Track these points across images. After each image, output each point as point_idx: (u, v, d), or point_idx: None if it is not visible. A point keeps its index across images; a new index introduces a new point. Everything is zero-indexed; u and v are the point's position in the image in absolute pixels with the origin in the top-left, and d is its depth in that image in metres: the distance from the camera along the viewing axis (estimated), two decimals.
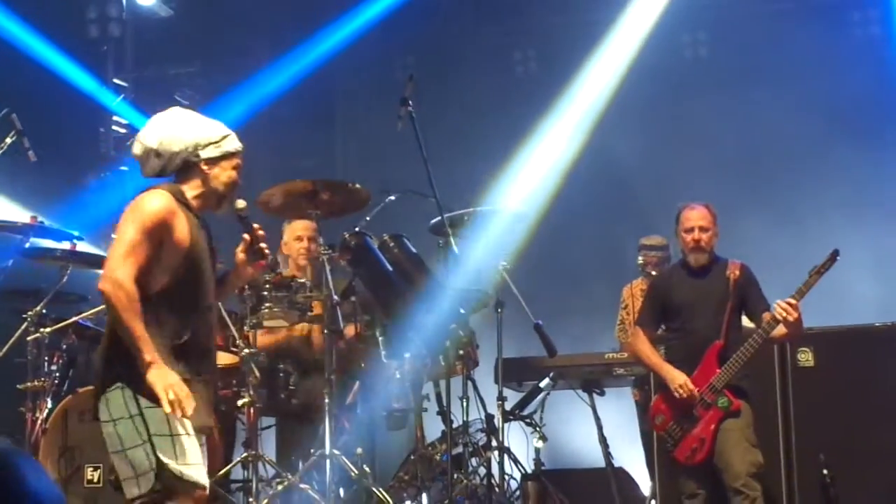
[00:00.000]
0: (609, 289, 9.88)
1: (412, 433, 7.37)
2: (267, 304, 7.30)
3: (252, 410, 7.13)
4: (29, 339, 7.44)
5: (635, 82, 10.98)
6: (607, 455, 7.97)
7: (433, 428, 7.27)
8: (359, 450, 6.97)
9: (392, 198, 7.74)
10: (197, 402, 4.71)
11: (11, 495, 2.01)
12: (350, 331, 7.31)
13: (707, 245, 6.94)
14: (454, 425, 7.02)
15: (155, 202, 4.74)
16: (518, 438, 7.61)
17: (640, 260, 9.10)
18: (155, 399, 4.60)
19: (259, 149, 11.30)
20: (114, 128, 11.83)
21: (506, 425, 7.28)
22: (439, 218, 7.02)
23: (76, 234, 7.99)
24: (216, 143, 4.92)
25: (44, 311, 7.51)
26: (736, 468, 6.54)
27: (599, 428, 8.04)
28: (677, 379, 6.73)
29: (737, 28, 11.02)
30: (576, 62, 11.22)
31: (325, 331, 7.07)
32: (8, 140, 7.36)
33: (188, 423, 4.71)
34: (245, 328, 7.36)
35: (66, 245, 7.79)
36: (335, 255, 7.18)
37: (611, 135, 10.91)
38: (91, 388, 7.48)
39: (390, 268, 7.15)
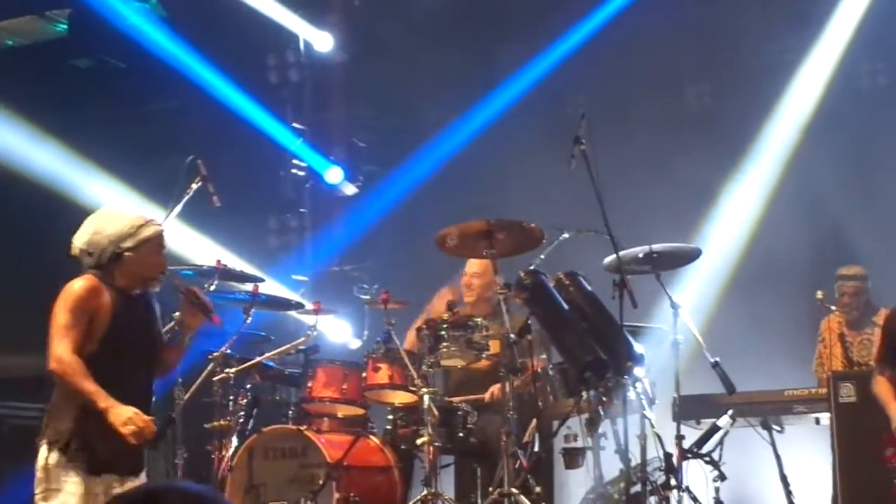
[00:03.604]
0: (800, 324, 9.75)
1: (590, 471, 7.34)
2: (444, 344, 7.39)
3: (431, 449, 7.21)
4: (215, 379, 7.65)
5: (825, 114, 10.81)
6: (788, 494, 7.83)
7: (611, 466, 7.23)
8: (537, 489, 6.97)
9: (566, 235, 7.76)
10: (123, 460, 5.62)
11: None
12: (527, 369, 7.33)
13: None
14: (632, 464, 6.97)
15: (78, 286, 5.60)
16: (697, 477, 7.51)
17: (837, 290, 8.99)
18: (67, 458, 5.50)
19: (432, 186, 11.50)
20: (293, 171, 12.11)
21: (684, 463, 7.19)
22: (614, 256, 7.01)
23: (259, 276, 8.23)
24: (132, 234, 5.69)
25: (228, 351, 7.72)
26: None
27: (780, 466, 7.91)
28: None
29: None
30: (755, 96, 11.08)
31: (502, 370, 7.12)
32: (194, 185, 7.58)
33: (93, 483, 5.53)
34: (423, 367, 7.46)
35: (249, 287, 8.01)
36: (511, 293, 7.23)
37: (804, 167, 10.75)
38: (276, 426, 7.77)
39: (566, 306, 7.15)
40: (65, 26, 11.85)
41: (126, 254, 5.69)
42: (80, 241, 5.74)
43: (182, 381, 7.51)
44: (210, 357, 7.64)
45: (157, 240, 5.78)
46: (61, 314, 5.56)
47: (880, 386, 7.03)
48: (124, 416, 5.44)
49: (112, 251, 5.68)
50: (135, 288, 5.77)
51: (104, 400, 5.46)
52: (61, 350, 5.50)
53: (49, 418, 5.66)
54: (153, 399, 6.16)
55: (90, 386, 5.47)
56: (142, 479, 5.80)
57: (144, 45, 11.18)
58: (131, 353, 5.72)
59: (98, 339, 5.60)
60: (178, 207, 7.49)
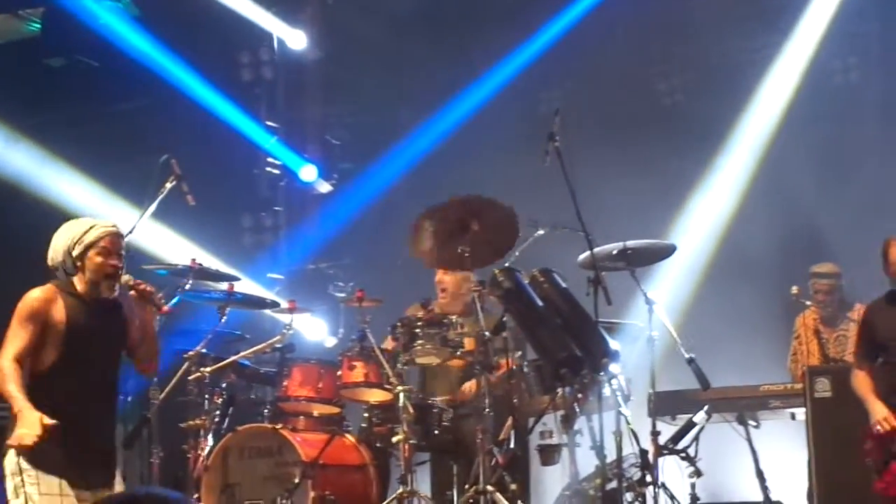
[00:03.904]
0: (774, 319, 9.78)
1: (565, 468, 7.35)
2: (419, 341, 7.40)
3: (406, 447, 7.21)
4: (190, 378, 7.63)
5: (798, 110, 10.84)
6: (764, 489, 7.87)
7: (586, 463, 7.25)
8: (513, 486, 6.98)
9: (541, 232, 7.77)
10: (88, 467, 5.62)
11: None
12: (502, 366, 7.34)
13: None
14: (607, 460, 6.99)
15: (31, 295, 5.68)
16: (673, 473, 7.54)
17: (811, 288, 9.02)
18: (33, 462, 5.51)
19: (407, 183, 11.50)
20: (268, 169, 12.08)
21: (660, 460, 7.21)
22: (588, 252, 7.02)
23: (234, 275, 8.22)
24: (79, 240, 5.75)
25: (204, 350, 7.70)
26: None
27: (756, 461, 7.94)
28: (878, 413, 6.88)
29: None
30: (727, 92, 11.12)
31: (477, 367, 7.13)
32: (168, 185, 7.56)
33: (65, 485, 5.54)
34: (398, 365, 7.46)
35: (224, 286, 8.00)
36: (486, 291, 7.23)
37: (778, 163, 10.78)
38: (251, 425, 7.77)
39: (541, 303, 7.16)
40: (38, 25, 11.80)
41: (77, 263, 5.75)
42: (48, 259, 5.85)
43: (157, 381, 7.48)
44: (185, 356, 7.62)
45: (102, 242, 5.75)
46: (13, 322, 5.67)
47: (859, 380, 7.13)
48: (25, 425, 5.44)
49: (69, 262, 5.75)
50: (93, 293, 5.77)
51: (18, 404, 5.48)
52: (1, 356, 5.59)
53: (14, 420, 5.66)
54: (124, 398, 6.17)
55: (12, 390, 5.50)
56: (115, 484, 5.79)
57: (118, 44, 11.14)
58: (90, 358, 5.73)
59: (56, 346, 5.65)
60: (153, 207, 7.46)
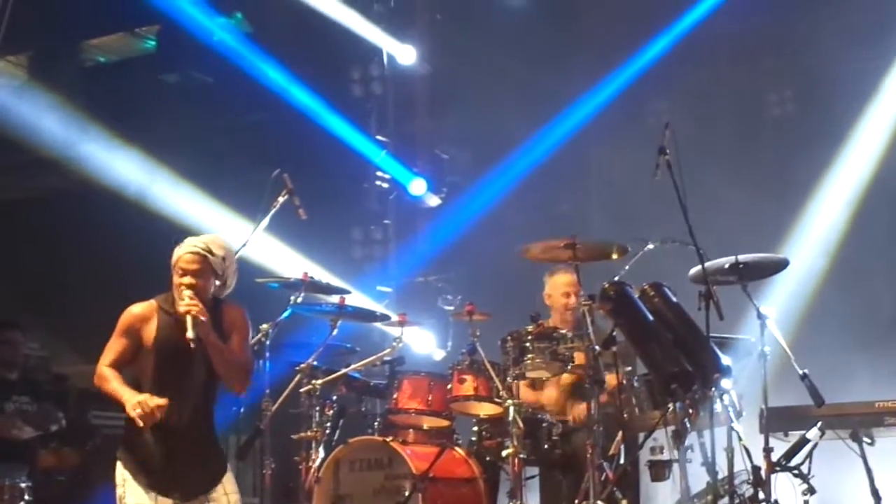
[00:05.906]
0: (890, 334, 9.62)
1: (676, 484, 7.30)
2: (529, 355, 7.40)
3: (516, 461, 7.22)
4: (302, 390, 7.73)
5: None
6: None
7: (697, 479, 7.19)
8: (623, 501, 6.94)
9: (650, 246, 7.74)
10: (181, 480, 5.79)
11: None
12: (611, 381, 7.31)
13: None
14: (719, 477, 6.92)
15: (128, 310, 5.93)
16: (786, 490, 7.43)
17: None
18: (131, 472, 5.78)
19: (516, 197, 11.52)
20: (377, 183, 12.18)
21: (773, 476, 7.12)
22: (700, 266, 6.97)
23: (345, 288, 8.30)
24: (173, 259, 5.92)
25: (315, 363, 7.79)
26: None
27: (871, 479, 7.80)
28: None
29: None
30: (839, 102, 10.96)
31: (587, 382, 7.11)
32: (280, 199, 7.68)
33: (157, 497, 5.76)
34: (508, 379, 7.47)
35: (335, 299, 8.07)
36: (596, 305, 7.22)
37: (893, 173, 10.60)
38: (362, 438, 7.83)
39: (651, 317, 7.12)
40: (153, 43, 12.05)
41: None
42: None
43: (269, 392, 7.60)
44: (297, 368, 7.72)
45: (179, 262, 5.88)
46: (113, 333, 5.94)
47: None
48: (133, 402, 5.64)
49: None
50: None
51: (125, 395, 5.70)
52: (100, 364, 5.86)
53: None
54: (237, 410, 6.34)
55: (115, 387, 5.75)
56: (215, 494, 5.91)
57: (231, 60, 11.33)
58: (180, 374, 5.86)
59: (148, 360, 5.86)
60: (266, 220, 7.59)
